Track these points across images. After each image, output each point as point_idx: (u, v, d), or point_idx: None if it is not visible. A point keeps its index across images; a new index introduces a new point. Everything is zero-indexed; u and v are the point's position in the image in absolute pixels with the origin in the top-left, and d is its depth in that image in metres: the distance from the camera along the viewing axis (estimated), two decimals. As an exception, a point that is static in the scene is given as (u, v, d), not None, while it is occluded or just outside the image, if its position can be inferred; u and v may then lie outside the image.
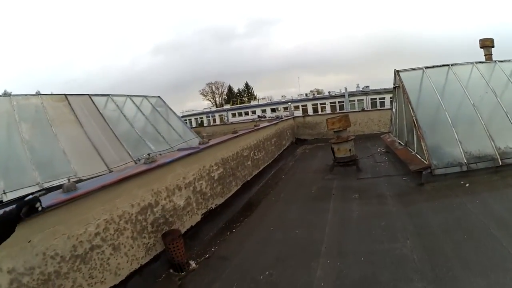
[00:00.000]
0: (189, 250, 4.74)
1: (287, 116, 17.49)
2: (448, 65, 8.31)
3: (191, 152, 5.60)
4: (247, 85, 79.47)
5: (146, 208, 4.26)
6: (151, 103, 13.53)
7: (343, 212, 5.72)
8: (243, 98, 69.38)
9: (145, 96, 13.71)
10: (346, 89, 46.69)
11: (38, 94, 10.29)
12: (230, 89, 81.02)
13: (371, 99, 46.64)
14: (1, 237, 2.53)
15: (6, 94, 10.58)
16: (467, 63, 8.36)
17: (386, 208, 5.60)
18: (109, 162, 9.34)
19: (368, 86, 49.38)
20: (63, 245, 3.06)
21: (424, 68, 8.37)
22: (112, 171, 8.42)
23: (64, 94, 10.80)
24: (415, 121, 7.13)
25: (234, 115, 56.06)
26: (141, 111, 12.52)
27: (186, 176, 5.32)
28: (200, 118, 61.43)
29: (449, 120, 7.02)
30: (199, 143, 6.47)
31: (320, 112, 47.36)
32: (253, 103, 59.44)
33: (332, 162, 9.23)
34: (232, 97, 72.38)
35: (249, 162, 8.29)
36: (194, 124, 57.58)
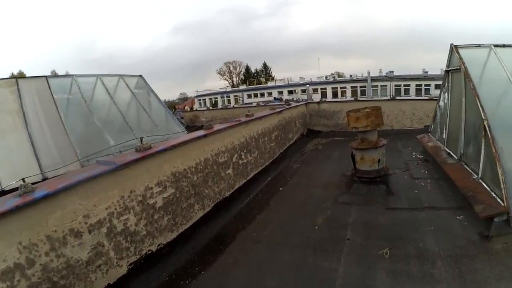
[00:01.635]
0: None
1: (300, 101, 14.75)
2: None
3: (95, 174, 3.34)
4: (265, 65, 77.01)
5: (10, 272, 2.64)
6: (127, 84, 11.02)
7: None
8: (260, 78, 66.50)
9: (121, 76, 11.23)
10: (368, 73, 43.79)
11: None
12: (247, 69, 78.54)
13: (395, 85, 44.13)
14: None
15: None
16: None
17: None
18: (46, 165, 7.44)
19: (392, 71, 46.30)
20: None
21: (492, 46, 5.68)
22: (46, 179, 6.52)
23: (16, 77, 9.03)
24: (486, 128, 4.42)
25: (249, 96, 53.49)
26: (109, 94, 10.12)
27: (90, 213, 3.31)
28: (215, 98, 59.94)
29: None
30: (135, 150, 4.14)
31: (340, 97, 45.07)
32: (270, 84, 57.27)
33: (351, 173, 6.56)
34: (249, 77, 69.86)
35: (229, 171, 5.89)
36: (208, 104, 56.51)
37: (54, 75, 9.81)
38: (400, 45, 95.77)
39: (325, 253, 3.92)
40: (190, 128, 13.24)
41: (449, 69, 6.46)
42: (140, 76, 11.73)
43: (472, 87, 5.03)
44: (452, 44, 6.11)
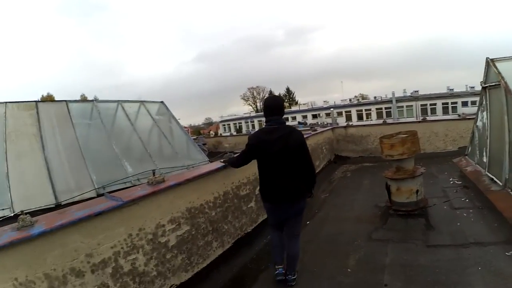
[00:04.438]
0: None
1: (326, 126, 14.23)
2: None
3: (99, 211, 3.04)
4: (288, 90, 77.62)
5: None
6: (148, 111, 10.96)
7: None
8: (284, 103, 67.29)
9: (142, 102, 11.19)
10: (393, 94, 43.02)
11: (4, 102, 8.50)
12: (270, 93, 78.75)
13: (421, 105, 43.37)
14: None
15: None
16: None
17: None
18: (61, 192, 7.21)
19: (417, 91, 45.59)
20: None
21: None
22: (60, 205, 6.60)
23: (35, 101, 9.16)
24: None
25: (274, 120, 53.76)
26: (130, 120, 10.06)
27: (93, 251, 2.99)
28: (239, 123, 60.69)
29: None
30: (147, 183, 3.79)
31: (365, 119, 44.45)
32: (293, 108, 57.43)
33: (385, 205, 5.98)
34: (273, 102, 70.47)
35: (252, 204, 5.43)
36: (232, 130, 57.13)
37: (74, 100, 9.81)
38: (416, 65, 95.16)
39: (360, 301, 3.39)
40: (213, 154, 13.00)
41: (486, 85, 5.93)
42: (162, 102, 11.69)
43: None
44: (488, 58, 5.66)
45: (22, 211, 2.76)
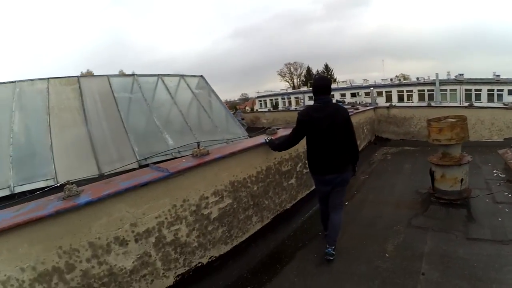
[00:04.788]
0: None
1: (367, 105, 13.84)
2: None
3: (145, 182, 3.11)
4: (326, 67, 75.81)
5: (47, 275, 2.53)
6: (188, 84, 10.98)
7: None
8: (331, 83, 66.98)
9: (182, 76, 11.23)
10: (437, 76, 41.36)
11: (46, 78, 8.81)
12: (308, 70, 78.15)
13: (466, 89, 41.29)
14: None
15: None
16: None
17: None
18: (104, 163, 7.38)
19: (462, 74, 43.44)
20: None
21: None
22: (103, 175, 6.76)
23: (77, 76, 9.37)
24: None
25: (310, 98, 53.11)
26: (170, 94, 10.13)
27: (138, 221, 3.10)
28: (276, 99, 60.29)
29: None
30: (192, 155, 3.91)
31: (405, 101, 43.13)
32: (332, 86, 56.59)
33: (428, 191, 5.81)
34: (310, 79, 68.98)
35: (292, 180, 5.49)
36: (269, 105, 56.87)
37: (115, 74, 9.98)
38: (459, 48, 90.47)
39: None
40: (251, 129, 12.94)
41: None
42: (201, 76, 11.70)
43: None
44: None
45: (68, 181, 2.85)
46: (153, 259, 3.23)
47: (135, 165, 6.79)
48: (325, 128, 3.80)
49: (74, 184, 2.85)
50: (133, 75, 10.28)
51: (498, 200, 5.46)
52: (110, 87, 9.24)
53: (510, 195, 5.63)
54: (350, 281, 3.62)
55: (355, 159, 4.16)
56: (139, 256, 3.10)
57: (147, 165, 4.09)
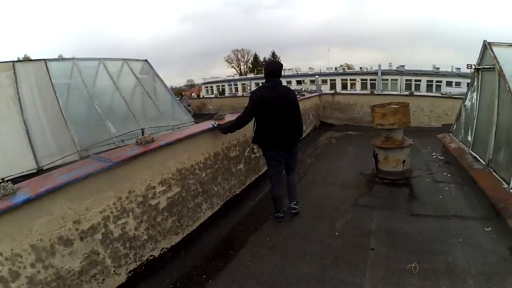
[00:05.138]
0: None
1: (313, 92, 14.13)
2: None
3: (86, 174, 2.87)
4: (273, 54, 76.01)
5: None
6: (131, 69, 10.35)
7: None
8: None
9: (125, 60, 10.53)
10: (379, 66, 43.30)
11: None
12: (255, 57, 78.05)
13: (406, 80, 43.47)
14: None
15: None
16: None
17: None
18: (42, 156, 6.87)
19: (403, 66, 45.60)
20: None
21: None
22: (41, 169, 6.18)
23: (12, 61, 8.26)
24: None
25: (257, 84, 53.06)
26: (112, 79, 9.51)
27: (81, 218, 2.85)
28: (222, 86, 59.85)
29: None
30: (136, 142, 3.68)
31: (349, 89, 44.47)
32: (280, 72, 56.91)
33: (372, 172, 6.07)
34: (258, 66, 68.98)
35: (241, 166, 5.48)
36: (215, 92, 56.37)
37: (53, 58, 9.21)
38: (406, 40, 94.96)
39: (347, 265, 3.51)
40: (197, 116, 12.71)
41: (480, 67, 5.99)
42: (146, 60, 11.06)
43: (508, 89, 4.63)
44: (486, 41, 5.67)
45: (2, 179, 2.53)
46: (102, 257, 3.03)
47: (76, 157, 6.29)
48: (275, 107, 4.16)
49: (9, 182, 2.55)
50: (72, 59, 9.50)
51: (438, 179, 5.85)
52: (48, 72, 8.46)
53: (449, 175, 6.03)
54: (303, 260, 3.70)
55: (299, 136, 4.61)
56: (86, 255, 2.90)
57: (88, 156, 3.84)
